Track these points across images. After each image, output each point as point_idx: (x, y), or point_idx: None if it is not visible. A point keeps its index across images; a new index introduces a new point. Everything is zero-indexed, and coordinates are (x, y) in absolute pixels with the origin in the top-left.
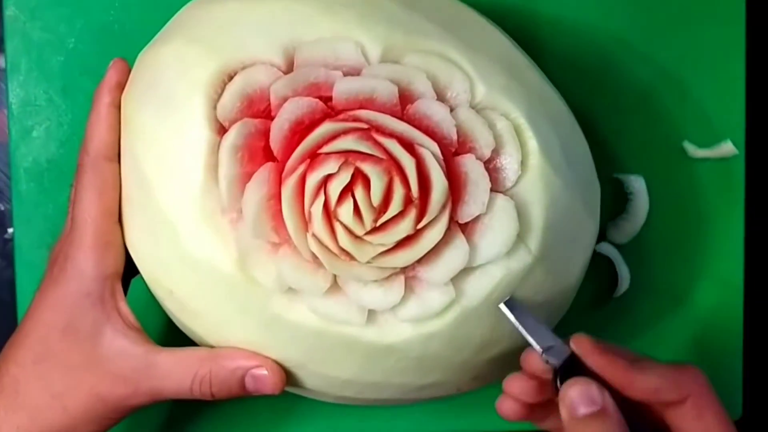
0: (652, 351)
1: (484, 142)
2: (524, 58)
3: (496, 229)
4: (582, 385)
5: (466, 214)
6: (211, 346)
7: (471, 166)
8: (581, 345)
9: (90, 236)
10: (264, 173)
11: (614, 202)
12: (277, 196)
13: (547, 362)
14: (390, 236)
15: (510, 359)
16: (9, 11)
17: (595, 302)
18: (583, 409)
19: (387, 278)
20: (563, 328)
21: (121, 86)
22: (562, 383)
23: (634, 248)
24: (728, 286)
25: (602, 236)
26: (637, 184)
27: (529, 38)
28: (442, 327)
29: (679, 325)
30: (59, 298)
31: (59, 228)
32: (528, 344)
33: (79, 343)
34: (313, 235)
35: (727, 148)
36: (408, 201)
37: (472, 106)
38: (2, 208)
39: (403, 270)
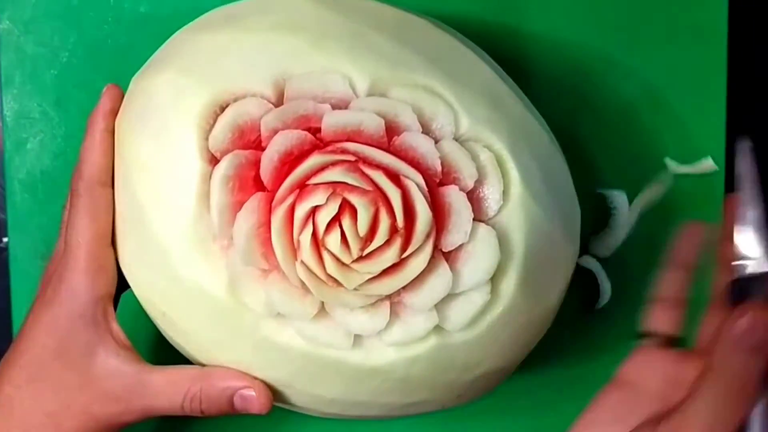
0: None
1: (467, 173)
2: (507, 88)
3: (479, 257)
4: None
5: (449, 242)
6: (202, 364)
7: (454, 197)
8: (738, 328)
9: (83, 260)
10: (254, 202)
11: (597, 217)
12: (267, 224)
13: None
14: (376, 265)
15: (493, 377)
16: (3, 24)
17: (577, 314)
18: (746, 339)
19: (373, 304)
20: (545, 339)
21: (114, 112)
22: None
23: (616, 262)
24: (707, 300)
25: (585, 250)
26: (620, 199)
27: (513, 56)
28: (426, 350)
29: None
30: (53, 319)
31: (53, 238)
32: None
33: (73, 364)
34: (302, 262)
35: (707, 164)
36: (393, 230)
37: (456, 138)
38: None
39: (389, 296)
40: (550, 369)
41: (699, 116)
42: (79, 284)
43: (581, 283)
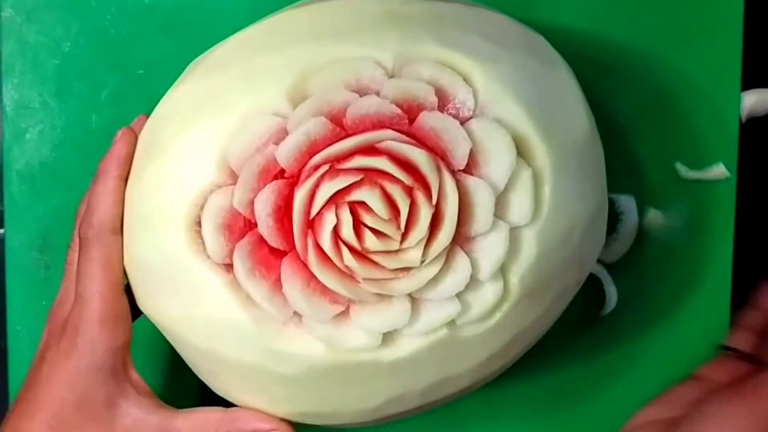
0: (639, 370)
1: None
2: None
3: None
4: None
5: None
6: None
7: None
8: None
9: (99, 311)
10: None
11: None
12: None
13: None
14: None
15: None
16: (5, 13)
17: (583, 321)
18: None
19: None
20: (551, 347)
21: (129, 158)
22: None
23: (623, 268)
24: (716, 307)
25: None
26: (628, 204)
27: None
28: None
29: (667, 344)
30: (71, 372)
31: (50, 231)
32: None
33: (94, 417)
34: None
35: (719, 170)
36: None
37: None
38: None
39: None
40: (555, 375)
41: (711, 122)
42: (96, 336)
43: (587, 289)
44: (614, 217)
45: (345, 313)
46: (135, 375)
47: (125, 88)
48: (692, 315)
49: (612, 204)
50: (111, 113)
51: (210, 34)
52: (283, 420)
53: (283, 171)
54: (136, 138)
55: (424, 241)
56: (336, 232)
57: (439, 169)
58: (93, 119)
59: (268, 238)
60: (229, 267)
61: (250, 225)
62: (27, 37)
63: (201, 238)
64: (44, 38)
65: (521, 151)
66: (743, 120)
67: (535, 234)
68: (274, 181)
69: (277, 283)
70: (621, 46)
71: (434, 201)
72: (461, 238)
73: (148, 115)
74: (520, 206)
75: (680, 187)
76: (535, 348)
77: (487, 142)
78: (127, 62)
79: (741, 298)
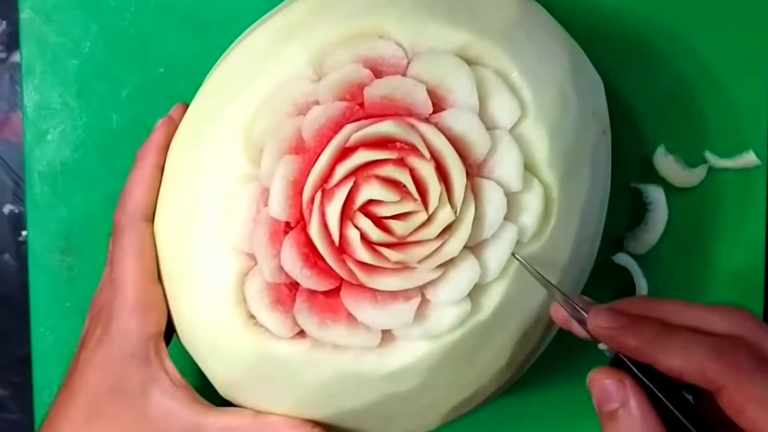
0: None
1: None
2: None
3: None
4: (598, 380)
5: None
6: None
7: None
8: (593, 325)
9: (132, 298)
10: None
11: (632, 212)
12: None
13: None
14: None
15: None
16: (25, 14)
17: None
18: (603, 407)
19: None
20: (577, 339)
21: (167, 147)
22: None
23: (653, 259)
24: (748, 298)
25: (620, 246)
26: (656, 195)
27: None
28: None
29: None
30: (105, 359)
31: (72, 231)
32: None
33: (129, 404)
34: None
35: (749, 158)
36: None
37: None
38: (17, 211)
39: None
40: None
41: (741, 109)
42: (129, 323)
43: (617, 281)
44: (642, 207)
45: (424, 301)
46: (170, 365)
47: (145, 86)
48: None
49: (640, 194)
50: (132, 112)
51: (229, 31)
52: (315, 423)
53: (287, 224)
54: (176, 127)
55: (443, 192)
56: (367, 240)
57: (411, 126)
58: (114, 119)
59: (316, 286)
60: (300, 334)
61: (294, 286)
62: (47, 38)
63: (261, 326)
64: (64, 39)
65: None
66: None
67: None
68: (286, 235)
69: (351, 318)
70: (648, 32)
71: (427, 156)
72: (474, 169)
73: (187, 104)
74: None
75: (709, 176)
76: (558, 340)
77: None
78: (146, 61)
79: None
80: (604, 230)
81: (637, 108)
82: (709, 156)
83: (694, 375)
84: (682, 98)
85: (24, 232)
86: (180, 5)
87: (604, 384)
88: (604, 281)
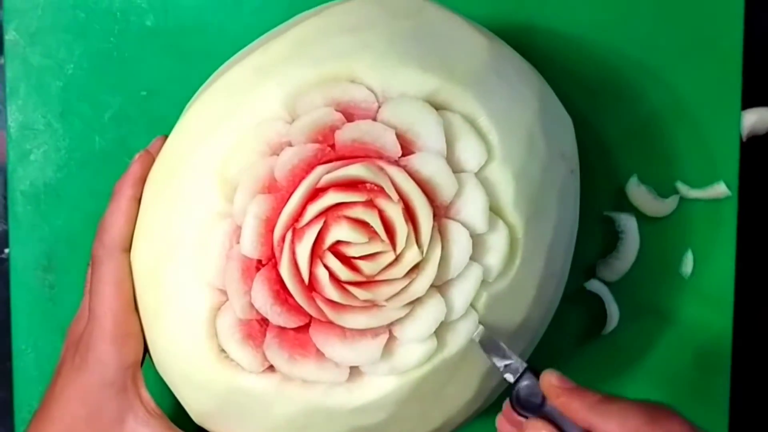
0: (641, 387)
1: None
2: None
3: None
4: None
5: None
6: None
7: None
8: (546, 381)
9: (110, 328)
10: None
11: (605, 240)
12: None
13: (504, 378)
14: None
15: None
16: (9, 36)
17: (585, 339)
18: None
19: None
20: (553, 365)
21: (143, 180)
22: (519, 405)
23: (624, 286)
24: (718, 325)
25: (592, 273)
26: (629, 223)
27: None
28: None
29: (668, 362)
30: (83, 387)
31: (54, 250)
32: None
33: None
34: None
35: (720, 189)
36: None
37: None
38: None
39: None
40: None
41: (712, 141)
42: (107, 353)
43: (589, 307)
44: (614, 235)
45: (392, 338)
46: (145, 394)
47: (128, 109)
48: (695, 334)
49: (612, 223)
50: (114, 134)
51: (211, 56)
52: None
53: (259, 261)
54: (153, 160)
55: (411, 233)
56: (336, 279)
57: (380, 169)
58: (96, 140)
59: (286, 323)
60: (270, 368)
61: (265, 321)
62: (31, 60)
63: (232, 360)
64: (48, 61)
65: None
66: (744, 139)
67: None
68: (258, 273)
69: (319, 354)
70: (620, 65)
71: (395, 198)
72: (441, 210)
73: (166, 136)
74: None
75: (680, 206)
76: (534, 366)
77: None
78: (130, 84)
79: (743, 316)
80: (577, 257)
81: (610, 139)
82: (681, 186)
83: None
84: (654, 130)
85: (6, 250)
86: (163, 30)
87: None
88: (576, 308)
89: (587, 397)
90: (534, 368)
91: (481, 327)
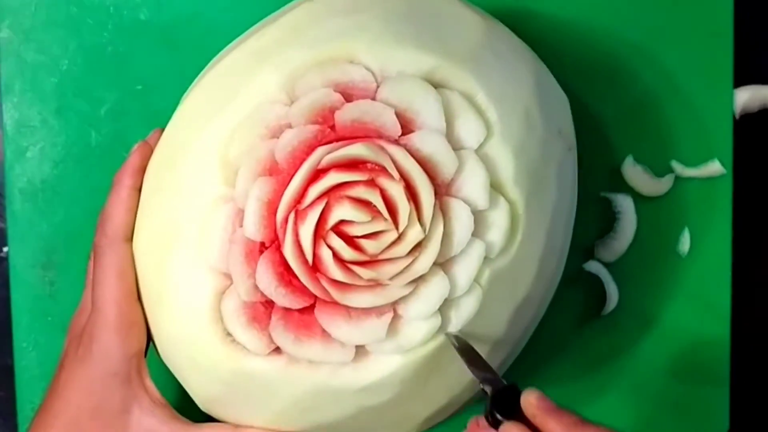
0: (639, 368)
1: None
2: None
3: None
4: None
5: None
6: None
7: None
8: (525, 400)
9: (113, 318)
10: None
11: (602, 221)
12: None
13: (483, 390)
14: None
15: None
16: (3, 33)
17: (583, 320)
18: None
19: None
20: (553, 346)
21: (143, 169)
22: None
23: (622, 266)
24: (715, 305)
25: (590, 254)
26: (625, 203)
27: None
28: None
29: (666, 343)
30: (87, 378)
31: (54, 247)
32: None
33: (109, 423)
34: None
35: (715, 167)
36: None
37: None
38: None
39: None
40: (556, 374)
41: (706, 119)
42: (111, 343)
43: (587, 288)
44: (612, 216)
45: (396, 316)
46: (150, 383)
47: (124, 104)
48: (692, 313)
49: (609, 203)
50: (110, 129)
51: (206, 48)
52: None
53: (263, 243)
54: (151, 151)
55: (413, 211)
56: (339, 259)
57: (381, 148)
58: (93, 136)
59: (291, 304)
60: (276, 351)
61: (270, 303)
62: (25, 57)
63: (238, 343)
64: (43, 57)
65: None
66: (737, 116)
67: None
68: (261, 255)
69: (325, 334)
70: (615, 46)
71: (396, 177)
72: (442, 188)
73: (163, 128)
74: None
75: (677, 185)
76: (534, 348)
77: None
78: (125, 78)
79: (740, 294)
80: (575, 239)
81: (605, 119)
82: (676, 165)
83: None
84: (649, 110)
85: (5, 248)
86: (157, 23)
87: None
88: (575, 289)
89: (564, 418)
90: (513, 384)
91: (458, 335)
